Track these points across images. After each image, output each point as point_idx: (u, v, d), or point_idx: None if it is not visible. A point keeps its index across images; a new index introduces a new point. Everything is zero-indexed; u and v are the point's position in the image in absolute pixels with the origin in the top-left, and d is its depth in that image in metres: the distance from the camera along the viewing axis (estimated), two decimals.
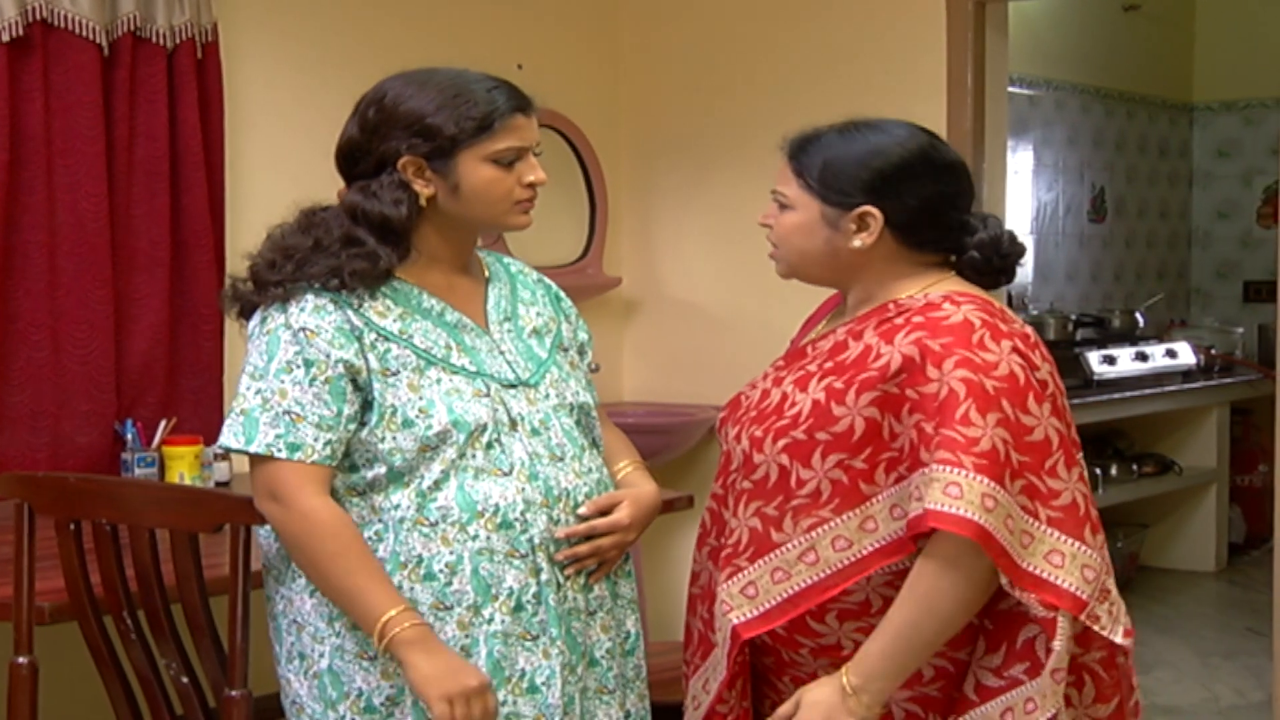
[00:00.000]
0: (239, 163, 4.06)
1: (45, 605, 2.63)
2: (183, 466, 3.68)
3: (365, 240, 2.30)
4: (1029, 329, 2.24)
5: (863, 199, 2.24)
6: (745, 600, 2.23)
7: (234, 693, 2.44)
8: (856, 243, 2.26)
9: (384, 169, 2.32)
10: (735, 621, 2.23)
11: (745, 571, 2.24)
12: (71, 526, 2.58)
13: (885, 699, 2.18)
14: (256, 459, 2.28)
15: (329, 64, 4.28)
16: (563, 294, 2.60)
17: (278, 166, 4.15)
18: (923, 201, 2.27)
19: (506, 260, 2.57)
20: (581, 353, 2.56)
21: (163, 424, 3.78)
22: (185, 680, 2.58)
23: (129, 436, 3.73)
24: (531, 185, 2.36)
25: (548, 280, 2.61)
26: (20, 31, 3.56)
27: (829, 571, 2.18)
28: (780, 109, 4.78)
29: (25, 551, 2.60)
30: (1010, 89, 5.11)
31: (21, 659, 2.60)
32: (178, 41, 3.82)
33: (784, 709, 2.21)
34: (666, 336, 5.22)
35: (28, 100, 3.60)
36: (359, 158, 2.35)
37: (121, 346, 3.79)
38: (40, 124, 3.62)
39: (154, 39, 3.78)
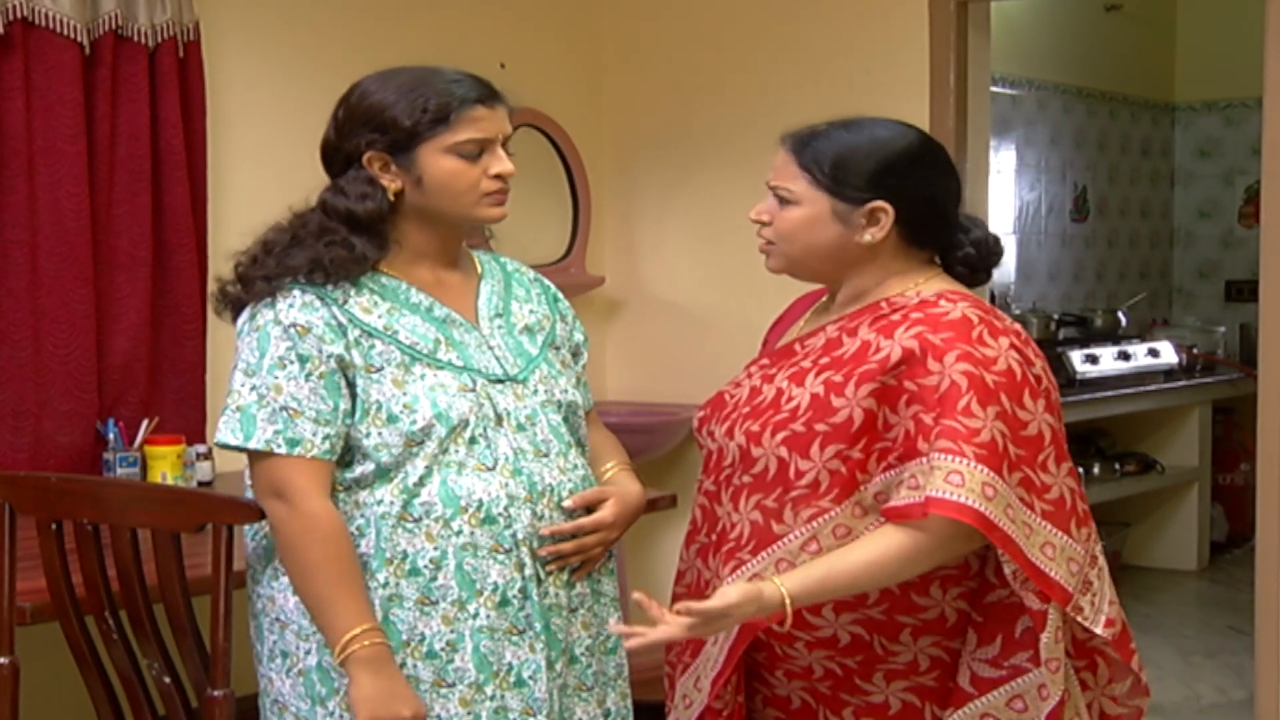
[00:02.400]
0: (221, 161, 4.05)
1: (26, 605, 2.63)
2: (165, 466, 3.68)
3: (338, 230, 2.31)
4: (1019, 327, 2.26)
5: (874, 194, 2.25)
6: None
7: (216, 692, 2.43)
8: (867, 237, 2.26)
9: (352, 165, 2.34)
10: None
11: (749, 565, 2.24)
12: (53, 526, 2.57)
13: None
14: (256, 455, 2.28)
15: (311, 63, 4.28)
16: (560, 294, 2.60)
17: (260, 165, 4.15)
18: (928, 195, 2.28)
19: (504, 259, 2.58)
20: (576, 354, 2.57)
21: (145, 423, 3.77)
22: (167, 680, 2.58)
23: (111, 436, 3.72)
24: (499, 177, 2.34)
25: (545, 280, 2.61)
26: (1, 30, 3.55)
27: None
28: (763, 108, 4.79)
29: (6, 551, 2.60)
30: (993, 89, 5.12)
31: (2, 659, 2.60)
32: (159, 40, 3.82)
33: (713, 604, 2.09)
34: (649, 336, 5.21)
35: (9, 99, 3.59)
36: (333, 156, 2.37)
37: (103, 346, 3.77)
38: (21, 123, 3.61)
39: (135, 38, 3.77)
